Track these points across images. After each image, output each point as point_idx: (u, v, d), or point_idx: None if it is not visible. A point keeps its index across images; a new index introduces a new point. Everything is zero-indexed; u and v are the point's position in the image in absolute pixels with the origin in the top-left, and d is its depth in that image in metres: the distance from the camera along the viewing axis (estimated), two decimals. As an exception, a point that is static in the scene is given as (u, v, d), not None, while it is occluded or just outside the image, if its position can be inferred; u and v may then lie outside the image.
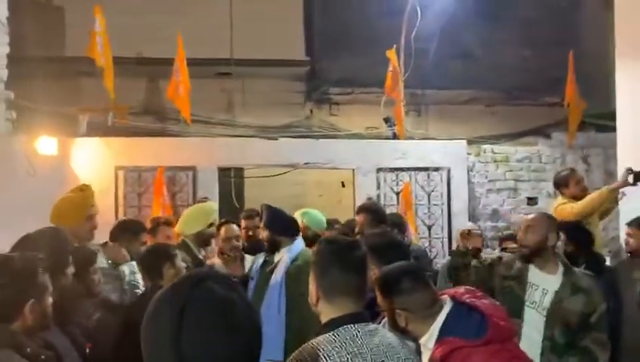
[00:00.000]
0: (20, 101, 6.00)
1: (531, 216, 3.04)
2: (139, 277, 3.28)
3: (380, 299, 2.13)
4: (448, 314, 2.03)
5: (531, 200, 6.51)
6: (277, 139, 6.45)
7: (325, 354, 1.72)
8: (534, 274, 2.89)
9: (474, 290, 2.26)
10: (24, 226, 4.54)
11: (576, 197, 4.25)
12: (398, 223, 4.25)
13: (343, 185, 8.84)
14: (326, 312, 1.85)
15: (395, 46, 6.84)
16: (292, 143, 6.36)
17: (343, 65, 8.80)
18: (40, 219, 5.41)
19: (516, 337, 2.36)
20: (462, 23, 8.72)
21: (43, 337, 2.06)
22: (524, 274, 2.90)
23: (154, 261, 2.96)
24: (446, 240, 6.15)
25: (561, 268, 2.88)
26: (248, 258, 4.10)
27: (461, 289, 2.26)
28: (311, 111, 9.11)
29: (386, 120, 6.89)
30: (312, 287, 1.89)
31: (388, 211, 5.75)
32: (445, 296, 2.14)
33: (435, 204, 6.25)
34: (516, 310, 2.80)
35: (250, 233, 4.58)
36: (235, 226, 4.09)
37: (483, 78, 9.03)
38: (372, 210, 3.97)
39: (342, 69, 8.84)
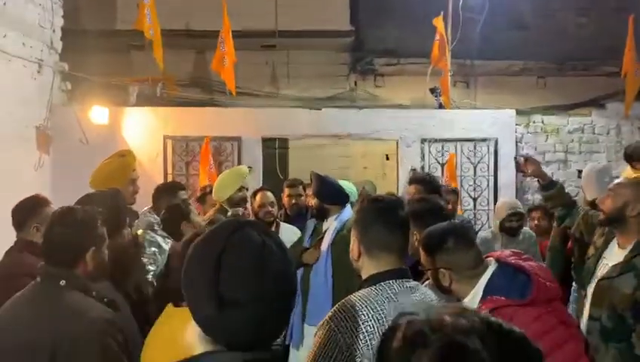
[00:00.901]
0: (74, 72, 6.20)
1: (618, 181, 2.76)
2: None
3: (423, 257, 2.13)
4: (493, 274, 2.02)
5: (581, 173, 6.29)
6: (320, 110, 6.44)
7: (365, 306, 1.75)
8: (610, 247, 2.67)
9: (519, 253, 2.26)
10: (78, 193, 4.80)
11: None
12: (448, 198, 4.22)
13: (388, 158, 8.79)
14: (367, 268, 1.88)
15: (442, 14, 6.66)
16: (335, 113, 6.35)
17: (388, 35, 8.66)
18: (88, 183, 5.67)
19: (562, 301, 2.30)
20: (513, -10, 8.43)
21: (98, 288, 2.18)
22: (602, 247, 2.72)
23: (171, 222, 3.07)
24: (492, 212, 6.02)
25: (635, 245, 2.53)
26: (284, 226, 4.14)
27: (507, 251, 2.26)
28: (355, 83, 9.05)
29: (432, 90, 6.76)
30: (354, 243, 1.91)
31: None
32: (490, 258, 2.13)
33: (481, 176, 6.13)
34: (586, 282, 2.70)
35: (294, 201, 4.65)
36: (269, 193, 4.14)
37: (535, 48, 8.71)
38: (425, 181, 3.89)
39: (387, 39, 8.71)
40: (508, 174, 6.10)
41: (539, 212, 4.58)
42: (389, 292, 1.81)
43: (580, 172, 6.40)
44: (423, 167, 6.12)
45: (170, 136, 6.01)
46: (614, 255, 2.59)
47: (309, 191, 4.67)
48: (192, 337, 1.20)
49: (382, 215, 1.89)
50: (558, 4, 8.79)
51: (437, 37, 6.56)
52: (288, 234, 4.04)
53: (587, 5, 8.84)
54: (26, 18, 5.46)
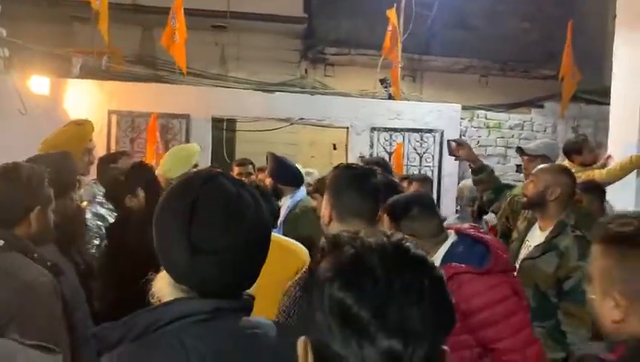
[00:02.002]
0: (14, 39, 5.87)
1: (540, 166, 2.84)
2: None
3: (387, 224, 2.20)
4: (453, 243, 2.11)
5: (520, 168, 6.60)
6: (273, 93, 6.41)
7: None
8: (532, 230, 2.75)
9: (477, 226, 2.38)
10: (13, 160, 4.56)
11: (585, 165, 4.19)
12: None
13: (335, 148, 8.87)
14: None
15: (395, 6, 6.78)
16: (287, 98, 6.34)
17: (341, 25, 8.73)
18: (28, 154, 5.40)
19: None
20: (461, -9, 8.68)
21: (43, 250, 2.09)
22: (524, 230, 2.81)
23: (115, 194, 2.97)
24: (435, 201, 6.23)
25: (555, 226, 2.59)
26: None
27: (466, 224, 2.38)
28: (306, 71, 9.06)
29: (382, 81, 6.88)
30: (326, 208, 1.94)
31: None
32: (450, 230, 2.22)
33: (426, 166, 6.31)
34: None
35: (244, 179, 4.63)
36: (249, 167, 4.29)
37: (480, 48, 9.03)
38: (380, 165, 4.00)
39: (339, 28, 8.77)
40: (452, 164, 6.29)
41: None
42: None
43: (518, 166, 6.71)
44: (371, 155, 6.21)
45: (115, 111, 5.81)
46: (536, 237, 2.70)
47: (260, 174, 4.68)
48: (163, 285, 1.18)
49: (355, 181, 1.92)
50: (505, 8, 9.15)
51: (389, 28, 6.66)
52: None
53: (532, 11, 9.25)
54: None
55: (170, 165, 3.68)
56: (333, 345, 0.74)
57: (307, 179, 4.99)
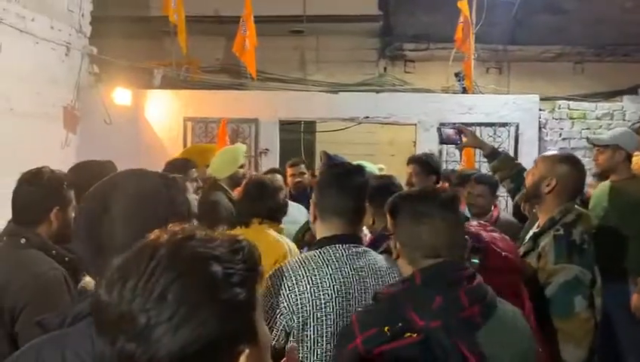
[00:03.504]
0: (103, 56, 6.44)
1: (542, 155, 2.49)
2: None
3: (390, 221, 2.16)
4: None
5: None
6: (337, 93, 6.44)
7: (302, 267, 1.78)
8: (533, 227, 2.42)
9: (485, 224, 2.22)
10: None
11: None
12: (457, 183, 4.12)
13: (415, 145, 8.70)
14: (319, 231, 1.91)
15: (468, -5, 6.51)
16: (352, 97, 6.33)
17: (418, 19, 8.55)
18: (115, 162, 5.89)
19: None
20: (551, -27, 8.13)
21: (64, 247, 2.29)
22: (529, 225, 2.50)
23: None
24: (510, 199, 5.87)
25: (544, 223, 2.27)
26: (293, 205, 4.16)
27: (473, 222, 2.24)
28: (385, 69, 8.99)
29: (457, 75, 6.64)
30: (312, 207, 1.95)
31: (450, 168, 5.65)
32: None
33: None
34: None
35: (297, 179, 4.69)
36: (278, 176, 4.02)
37: (573, 32, 8.41)
38: (422, 161, 3.86)
39: (417, 24, 8.60)
40: (530, 160, 5.90)
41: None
42: (332, 255, 1.83)
43: (607, 160, 6.14)
44: (440, 152, 6.02)
45: (189, 118, 6.17)
46: (528, 234, 2.40)
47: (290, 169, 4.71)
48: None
49: (336, 180, 1.90)
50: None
51: (461, 19, 6.42)
52: (294, 212, 4.08)
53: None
54: (54, 3, 5.70)
55: (217, 166, 3.84)
56: None
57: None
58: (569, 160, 2.36)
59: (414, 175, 3.69)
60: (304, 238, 3.42)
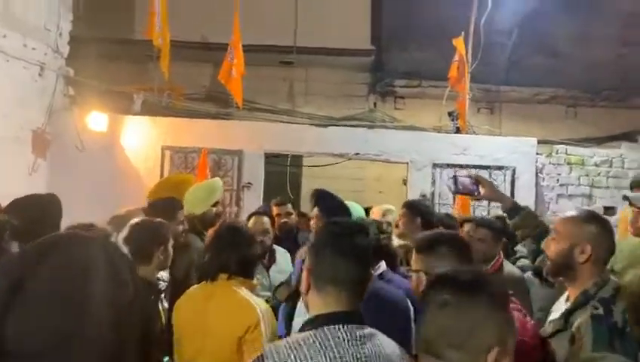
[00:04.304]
0: (79, 78, 6.09)
1: (563, 216, 2.11)
2: None
3: (413, 255, 1.99)
4: None
5: (609, 210, 5.77)
6: (327, 127, 6.15)
7: (293, 354, 1.43)
8: (560, 300, 2.10)
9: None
10: (72, 198, 4.59)
11: None
12: (448, 225, 3.81)
13: (405, 183, 8.42)
14: (314, 304, 1.56)
15: (462, 34, 6.32)
16: (342, 132, 6.04)
17: (411, 56, 8.37)
18: (86, 192, 5.53)
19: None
20: (546, 15, 8.04)
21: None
22: (552, 300, 2.18)
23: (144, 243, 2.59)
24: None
25: (577, 297, 1.95)
26: (280, 252, 3.77)
27: None
28: (375, 104, 8.76)
29: (450, 113, 6.40)
30: (305, 274, 1.60)
31: (444, 211, 5.33)
32: None
33: (496, 207, 5.67)
34: None
35: (284, 220, 4.34)
36: (265, 219, 3.60)
37: (567, 76, 8.30)
38: (408, 205, 3.62)
39: (410, 60, 8.42)
40: (527, 204, 5.63)
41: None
42: (330, 340, 1.46)
43: (606, 208, 5.89)
44: (433, 193, 5.72)
45: (168, 147, 5.80)
46: (559, 308, 2.05)
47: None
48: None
49: (335, 241, 1.57)
50: (597, 31, 8.34)
51: (456, 58, 6.22)
52: (280, 259, 3.70)
53: (629, 35, 8.36)
54: (28, 20, 5.37)
55: (189, 203, 3.47)
56: None
57: (388, 218, 4.54)
58: (596, 219, 2.04)
59: (402, 218, 3.55)
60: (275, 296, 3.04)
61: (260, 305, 2.33)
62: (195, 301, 2.40)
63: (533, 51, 8.36)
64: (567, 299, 2.00)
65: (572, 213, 2.14)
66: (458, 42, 6.22)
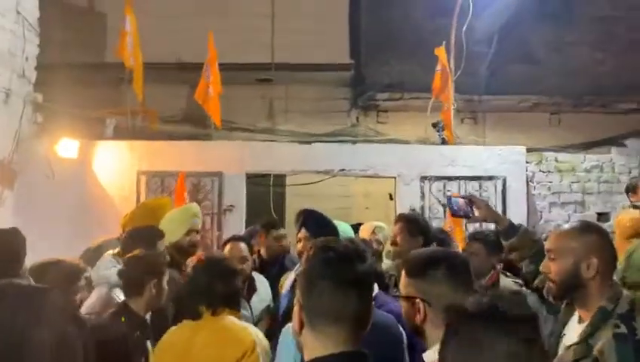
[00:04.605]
0: (49, 104, 5.82)
1: (557, 231, 1.96)
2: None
3: (403, 279, 1.69)
4: None
5: (602, 216, 5.63)
6: (310, 144, 5.94)
7: None
8: (571, 321, 1.93)
9: None
10: (41, 230, 4.29)
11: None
12: (440, 239, 3.60)
13: (391, 198, 8.22)
14: (309, 346, 1.33)
15: (444, 43, 6.20)
16: (327, 148, 5.83)
17: (392, 68, 8.24)
18: (57, 223, 5.22)
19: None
20: (524, 23, 8.00)
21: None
22: (562, 319, 1.98)
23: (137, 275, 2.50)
24: (500, 259, 5.37)
25: (593, 317, 1.79)
26: (260, 279, 3.54)
27: None
28: (357, 119, 8.59)
29: (435, 125, 6.24)
30: (296, 310, 1.37)
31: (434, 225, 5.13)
32: None
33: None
34: None
35: (281, 244, 4.11)
36: (242, 245, 3.40)
37: (548, 83, 8.24)
38: (408, 219, 3.37)
39: (391, 72, 8.28)
40: (518, 216, 5.45)
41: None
42: None
43: (599, 215, 5.75)
44: (422, 207, 5.52)
45: (144, 172, 5.52)
46: (573, 332, 1.88)
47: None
48: None
49: (330, 269, 1.34)
50: (574, 37, 8.33)
51: (438, 67, 6.08)
52: (260, 288, 3.46)
53: (604, 40, 8.36)
54: (-10, 44, 5.10)
55: (166, 231, 3.21)
56: None
57: (378, 237, 4.31)
58: (593, 228, 1.92)
59: (399, 233, 3.21)
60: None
61: (255, 330, 2.27)
62: (179, 340, 2.25)
63: (514, 59, 8.30)
64: (580, 320, 1.81)
65: (566, 226, 1.98)
66: (440, 52, 6.09)
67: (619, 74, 7.99)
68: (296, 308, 1.38)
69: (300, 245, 3.23)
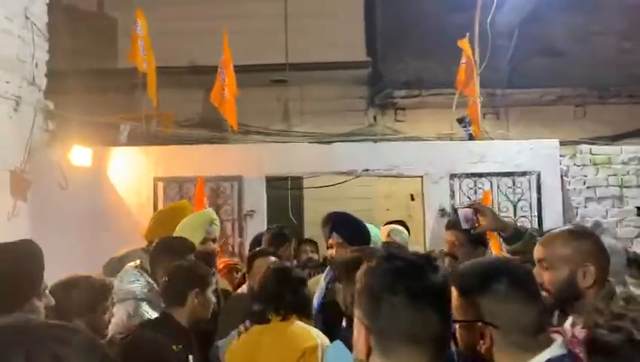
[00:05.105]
0: (60, 112, 5.63)
1: (547, 238, 1.84)
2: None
3: (455, 299, 1.38)
4: (555, 359, 1.29)
5: (643, 211, 5.35)
6: (330, 144, 5.69)
7: None
8: (566, 325, 1.86)
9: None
10: (59, 240, 4.09)
11: None
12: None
13: (413, 199, 7.96)
14: None
15: (467, 35, 5.94)
16: (348, 148, 5.58)
17: (409, 65, 8.01)
18: (74, 233, 5.03)
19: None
20: (547, 15, 7.74)
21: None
22: None
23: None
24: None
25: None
26: None
27: (578, 328, 1.59)
28: (374, 118, 8.36)
29: (460, 120, 5.97)
30: (359, 333, 1.16)
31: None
32: (557, 334, 1.41)
33: (522, 216, 5.22)
34: None
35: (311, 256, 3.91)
36: (271, 259, 3.06)
37: (572, 74, 7.98)
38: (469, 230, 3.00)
39: (407, 69, 8.06)
40: (554, 213, 5.19)
41: None
42: None
43: (639, 209, 5.46)
44: (453, 207, 5.25)
45: (161, 178, 5.30)
46: None
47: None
48: None
49: (401, 282, 1.14)
50: (598, 27, 8.05)
51: (463, 60, 5.82)
52: None
53: (629, 28, 8.07)
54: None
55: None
56: None
57: (396, 239, 4.16)
58: (585, 234, 1.82)
59: (459, 246, 2.78)
60: None
61: (320, 335, 2.29)
62: (249, 341, 2.38)
63: (536, 52, 8.05)
64: (573, 325, 1.73)
65: (555, 232, 1.85)
66: (463, 44, 5.83)
67: (645, 63, 7.71)
68: (358, 330, 1.15)
69: (332, 251, 3.00)
